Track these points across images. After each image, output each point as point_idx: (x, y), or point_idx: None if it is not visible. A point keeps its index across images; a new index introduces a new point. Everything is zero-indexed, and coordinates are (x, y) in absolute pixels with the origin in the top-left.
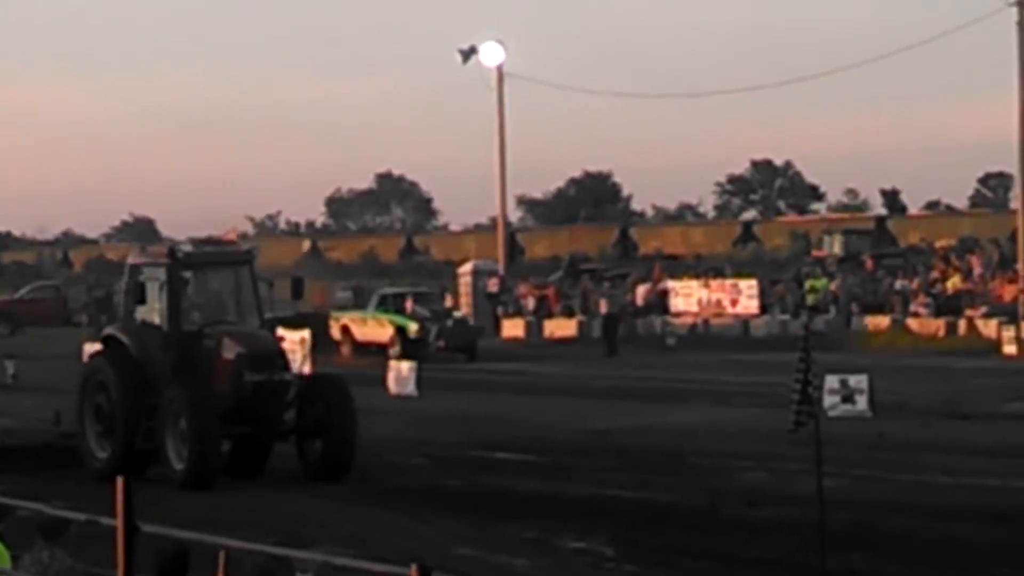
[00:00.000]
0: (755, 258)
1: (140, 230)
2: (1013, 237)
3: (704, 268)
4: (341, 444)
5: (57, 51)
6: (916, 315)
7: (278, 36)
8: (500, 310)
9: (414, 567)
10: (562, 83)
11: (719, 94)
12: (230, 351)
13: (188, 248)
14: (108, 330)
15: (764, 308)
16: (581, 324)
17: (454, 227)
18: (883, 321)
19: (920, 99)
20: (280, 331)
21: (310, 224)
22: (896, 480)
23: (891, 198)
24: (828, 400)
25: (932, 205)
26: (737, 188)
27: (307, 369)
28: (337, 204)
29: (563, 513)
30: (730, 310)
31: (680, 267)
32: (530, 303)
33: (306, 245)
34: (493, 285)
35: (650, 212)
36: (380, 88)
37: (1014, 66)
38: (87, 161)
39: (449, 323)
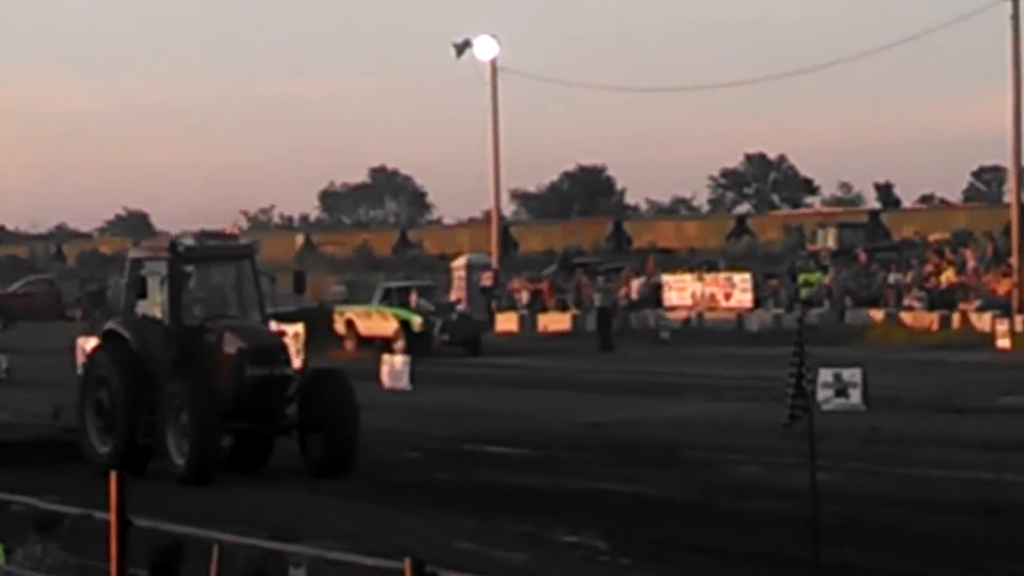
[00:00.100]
0: (749, 252)
1: (134, 224)
2: (1007, 231)
3: (698, 262)
4: (343, 440)
5: (53, 48)
6: (910, 309)
7: (273, 31)
8: (494, 304)
9: (408, 561)
10: (556, 77)
11: (713, 88)
12: (231, 346)
13: (189, 242)
14: (109, 324)
15: (758, 302)
16: (575, 318)
17: (448, 221)
18: (879, 314)
19: (914, 93)
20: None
21: (304, 218)
22: (890, 473)
23: (885, 192)
24: (822, 394)
25: (926, 199)
26: (731, 182)
27: (298, 364)
28: (331, 198)
29: (557, 507)
30: (724, 304)
31: (674, 261)
32: (524, 297)
33: (300, 239)
34: (487, 279)
35: (644, 206)
36: (374, 82)
37: (1007, 60)
38: (81, 155)
39: (453, 317)
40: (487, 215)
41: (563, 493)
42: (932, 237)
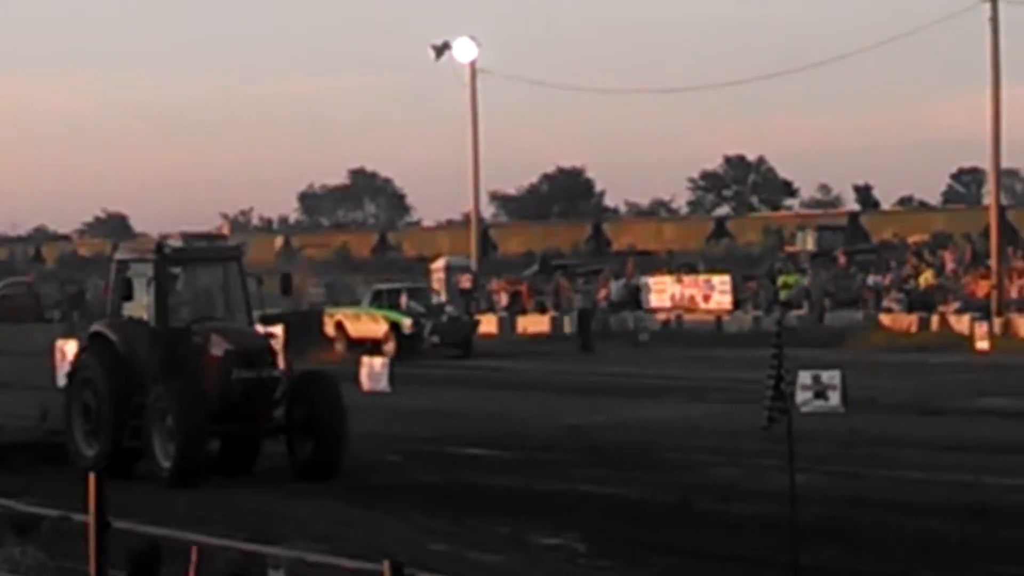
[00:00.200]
0: (728, 254)
1: (113, 226)
2: (986, 233)
3: (677, 264)
4: (330, 442)
5: (30, 49)
6: (889, 311)
7: (252, 32)
8: (473, 306)
9: (386, 563)
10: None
11: (692, 90)
12: (218, 348)
13: (176, 244)
14: (95, 326)
15: (737, 304)
16: (554, 320)
17: (427, 223)
18: (858, 316)
19: (893, 95)
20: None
21: (283, 220)
22: (869, 475)
23: (864, 194)
24: (801, 396)
25: (905, 201)
26: (710, 184)
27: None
28: (310, 200)
29: (536, 509)
30: (703, 306)
31: (653, 263)
32: (503, 299)
33: (279, 241)
34: (466, 281)
35: (623, 208)
36: (353, 84)
37: (986, 62)
38: (59, 157)
39: (443, 319)
40: (466, 217)
41: (542, 495)
42: (911, 239)
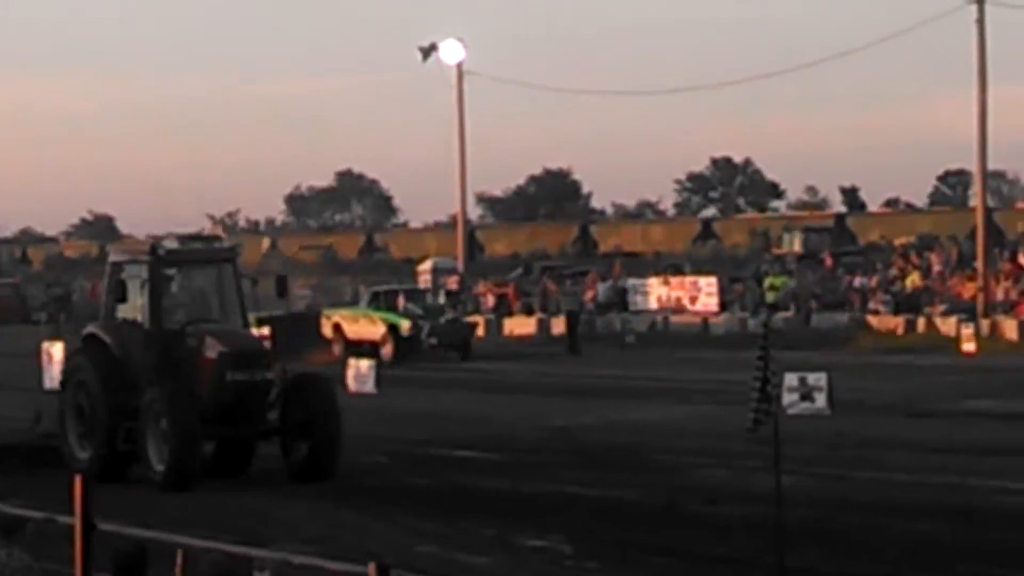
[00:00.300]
0: (715, 256)
1: (99, 228)
2: (972, 235)
3: (664, 266)
4: (325, 445)
5: (14, 50)
6: (875, 313)
7: (239, 34)
8: (459, 308)
9: (372, 565)
10: (522, 81)
11: (679, 92)
12: (212, 350)
13: (170, 245)
14: (89, 328)
15: (724, 306)
16: (540, 322)
17: (414, 225)
18: (844, 318)
19: (880, 97)
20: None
21: (270, 222)
22: (855, 477)
23: (850, 196)
24: (787, 398)
25: (891, 203)
26: (697, 186)
27: None
28: (297, 202)
29: (523, 510)
30: (689, 308)
31: (640, 265)
32: (489, 301)
33: (266, 243)
34: (452, 283)
35: (610, 210)
36: (340, 86)
37: (973, 64)
38: (46, 159)
39: (442, 321)
40: (453, 219)
41: (529, 497)
42: (898, 241)
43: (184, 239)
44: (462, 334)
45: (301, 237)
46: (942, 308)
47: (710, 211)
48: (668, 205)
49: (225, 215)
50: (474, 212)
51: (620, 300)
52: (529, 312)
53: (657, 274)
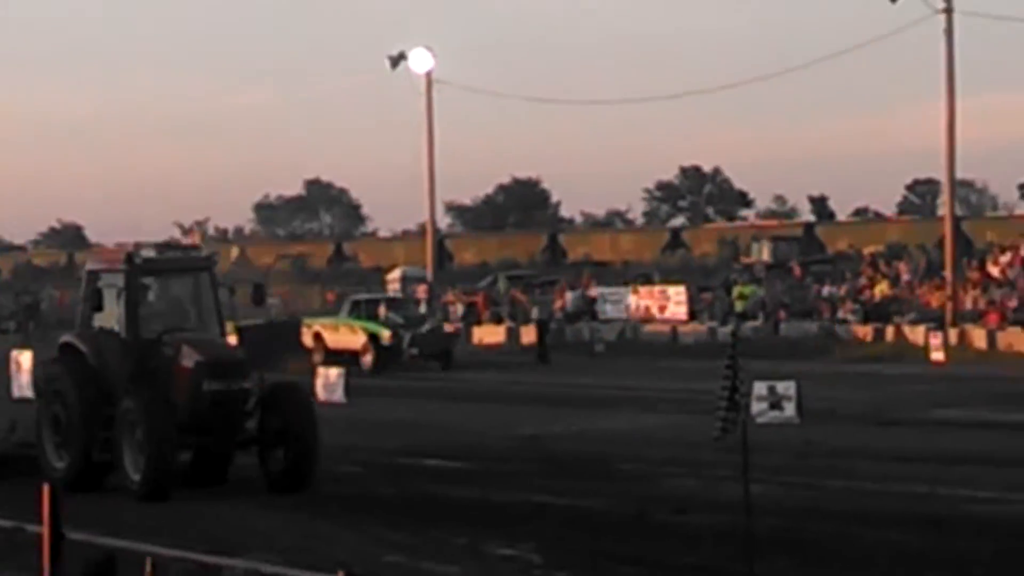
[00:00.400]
0: (683, 265)
1: (68, 237)
2: (941, 244)
3: (632, 275)
4: (302, 454)
5: None
6: (844, 322)
7: (208, 42)
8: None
9: (341, 574)
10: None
11: (648, 101)
12: (189, 359)
13: (147, 254)
14: (65, 337)
15: (692, 315)
16: (510, 331)
17: (383, 233)
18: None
19: (848, 106)
20: None
21: (239, 231)
22: (824, 486)
23: (819, 205)
24: (756, 407)
25: (860, 212)
26: (666, 195)
27: None
28: (266, 210)
29: (492, 519)
30: (658, 317)
31: (608, 274)
32: (458, 310)
33: (235, 251)
34: (421, 292)
35: (579, 219)
36: (309, 94)
37: (941, 73)
38: (14, 167)
39: (423, 330)
40: (422, 228)
41: (498, 506)
42: (866, 250)
43: (162, 247)
44: (443, 344)
45: (271, 246)
46: (911, 317)
47: (679, 220)
48: (637, 214)
49: (194, 223)
50: (443, 221)
51: (589, 309)
52: (498, 321)
53: (626, 283)
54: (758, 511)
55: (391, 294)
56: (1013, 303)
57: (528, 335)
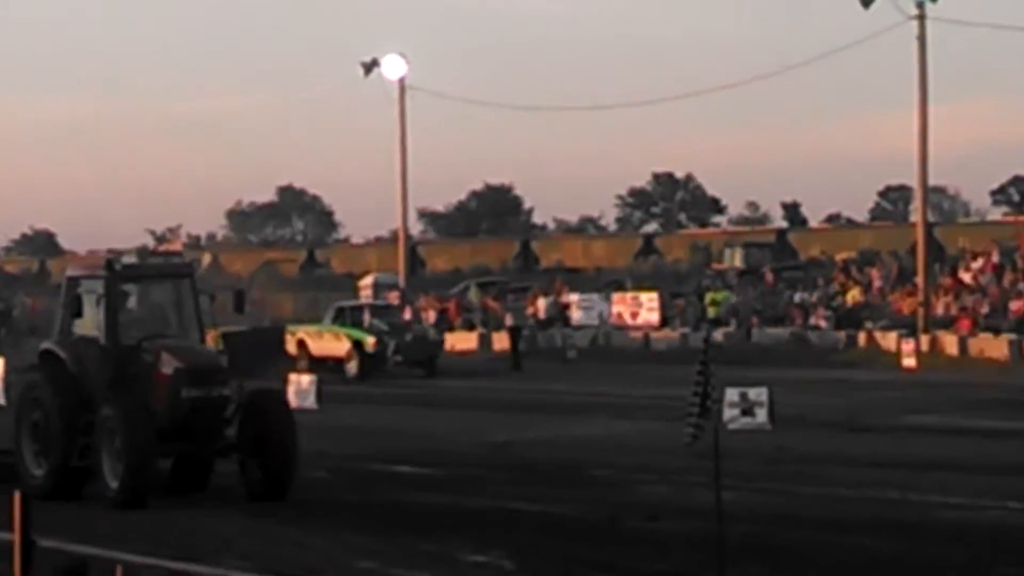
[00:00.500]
0: (656, 271)
1: (40, 243)
2: (912, 250)
3: (605, 281)
4: (281, 461)
5: None
6: (816, 328)
7: (179, 48)
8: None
9: None
10: (464, 96)
11: (620, 107)
12: (168, 366)
13: (127, 260)
14: (45, 344)
15: (665, 321)
16: (482, 337)
17: (356, 240)
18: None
19: (820, 112)
20: None
21: (211, 237)
22: (796, 492)
23: (792, 211)
24: (728, 413)
25: (833, 218)
26: (638, 201)
27: None
28: (238, 217)
29: (463, 526)
30: (631, 323)
31: (581, 280)
32: (431, 316)
33: (207, 258)
34: (393, 298)
35: (551, 225)
36: (281, 100)
37: (914, 80)
38: None
39: (408, 337)
40: (394, 234)
41: (469, 512)
42: (839, 256)
43: (142, 254)
44: (428, 351)
45: (243, 253)
46: (882, 323)
47: (652, 226)
48: (610, 220)
49: (166, 230)
50: (415, 227)
51: (561, 315)
52: (470, 328)
53: (599, 290)
54: (730, 517)
55: (375, 301)
56: (985, 309)
57: (501, 342)
